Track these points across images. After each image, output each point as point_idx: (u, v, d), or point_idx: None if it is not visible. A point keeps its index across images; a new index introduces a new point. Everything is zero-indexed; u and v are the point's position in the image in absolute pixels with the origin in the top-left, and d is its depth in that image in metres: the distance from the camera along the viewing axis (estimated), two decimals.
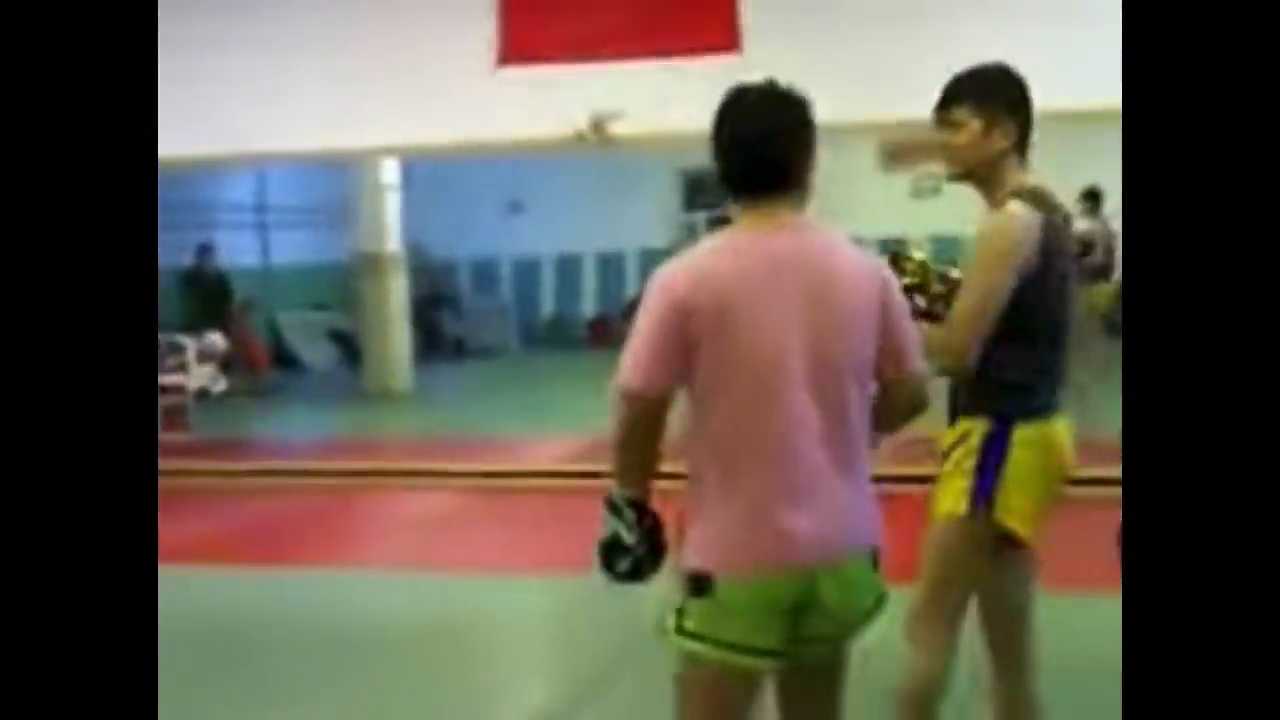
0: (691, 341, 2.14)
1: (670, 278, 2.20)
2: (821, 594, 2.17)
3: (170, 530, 6.32)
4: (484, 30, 6.26)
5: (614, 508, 2.26)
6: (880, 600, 2.29)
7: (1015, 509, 2.59)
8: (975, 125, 2.57)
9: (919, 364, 2.30)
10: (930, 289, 2.69)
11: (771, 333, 2.15)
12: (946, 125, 2.62)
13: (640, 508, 2.24)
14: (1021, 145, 2.62)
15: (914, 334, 2.31)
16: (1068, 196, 8.36)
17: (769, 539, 2.15)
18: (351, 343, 13.26)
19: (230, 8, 6.96)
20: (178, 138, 7.12)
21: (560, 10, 6.01)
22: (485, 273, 16.05)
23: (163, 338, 9.12)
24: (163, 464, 9.34)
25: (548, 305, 16.28)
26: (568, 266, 16.02)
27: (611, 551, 2.27)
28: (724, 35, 5.60)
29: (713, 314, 2.13)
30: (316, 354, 14.09)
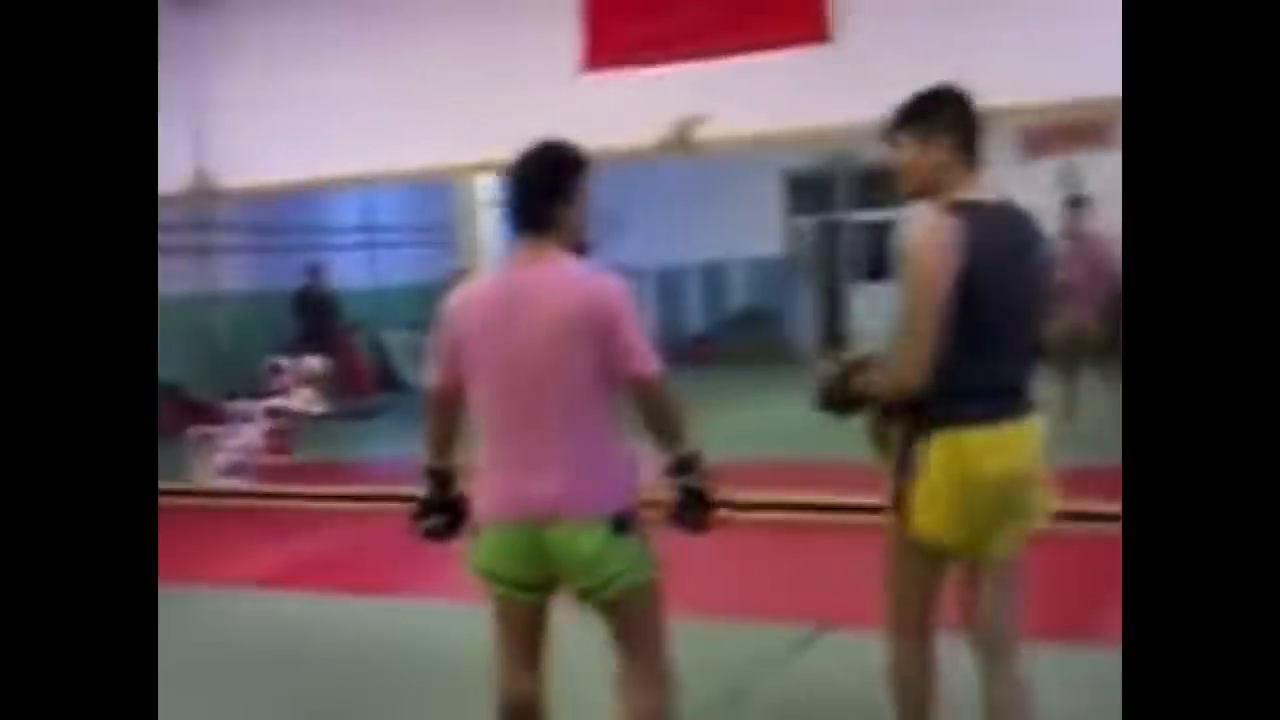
0: (457, 346, 2.82)
1: (453, 295, 2.87)
2: (549, 546, 2.72)
3: (264, 552, 6.35)
4: (567, 39, 6.14)
5: (424, 473, 2.96)
6: (634, 563, 2.74)
7: (926, 516, 2.64)
8: (912, 145, 2.74)
9: (645, 370, 2.78)
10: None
11: (496, 347, 2.75)
12: (895, 147, 2.79)
13: (439, 474, 2.97)
14: (968, 158, 2.73)
15: (636, 343, 2.79)
16: None
17: (505, 498, 2.78)
18: None
19: (328, 38, 7.02)
20: (280, 162, 7.22)
21: (644, 10, 5.85)
22: None
23: (266, 361, 9.23)
24: (263, 486, 9.33)
25: (648, 320, 15.96)
26: (669, 279, 15.60)
27: (420, 508, 2.98)
28: (813, 24, 5.32)
29: (463, 328, 2.81)
30: (420, 374, 14.11)
